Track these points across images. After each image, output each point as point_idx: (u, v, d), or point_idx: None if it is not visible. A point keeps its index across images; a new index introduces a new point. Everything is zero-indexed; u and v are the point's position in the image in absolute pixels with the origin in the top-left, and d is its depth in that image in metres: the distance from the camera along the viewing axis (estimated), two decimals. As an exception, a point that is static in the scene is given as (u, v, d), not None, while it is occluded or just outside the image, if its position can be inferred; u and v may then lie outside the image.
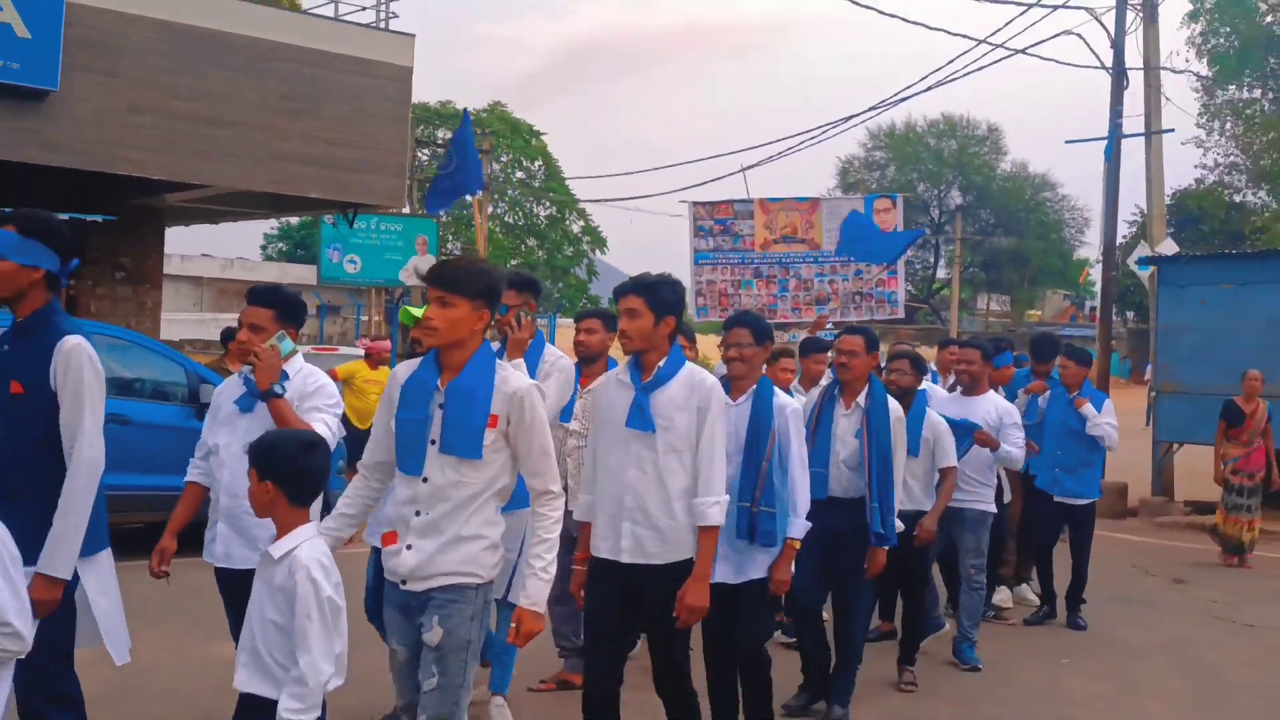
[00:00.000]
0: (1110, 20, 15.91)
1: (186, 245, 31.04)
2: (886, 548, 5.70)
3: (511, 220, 45.61)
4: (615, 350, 5.29)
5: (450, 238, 39.42)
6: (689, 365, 4.55)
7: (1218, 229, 30.46)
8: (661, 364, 4.47)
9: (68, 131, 11.34)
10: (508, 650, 5.46)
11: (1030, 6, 16.34)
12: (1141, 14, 16.02)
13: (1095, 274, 38.75)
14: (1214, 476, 11.21)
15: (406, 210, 23.95)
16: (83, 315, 13.09)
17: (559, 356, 5.64)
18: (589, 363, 6.09)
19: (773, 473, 4.95)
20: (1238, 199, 31.90)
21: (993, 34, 16.28)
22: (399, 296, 27.63)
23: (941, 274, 56.35)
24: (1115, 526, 13.26)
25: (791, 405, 5.15)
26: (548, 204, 45.89)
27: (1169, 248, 15.69)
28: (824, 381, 6.50)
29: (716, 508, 4.35)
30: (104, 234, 13.44)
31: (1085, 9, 18.50)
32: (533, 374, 5.29)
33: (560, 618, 6.00)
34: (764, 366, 5.34)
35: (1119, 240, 16.62)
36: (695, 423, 4.42)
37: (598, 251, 47.31)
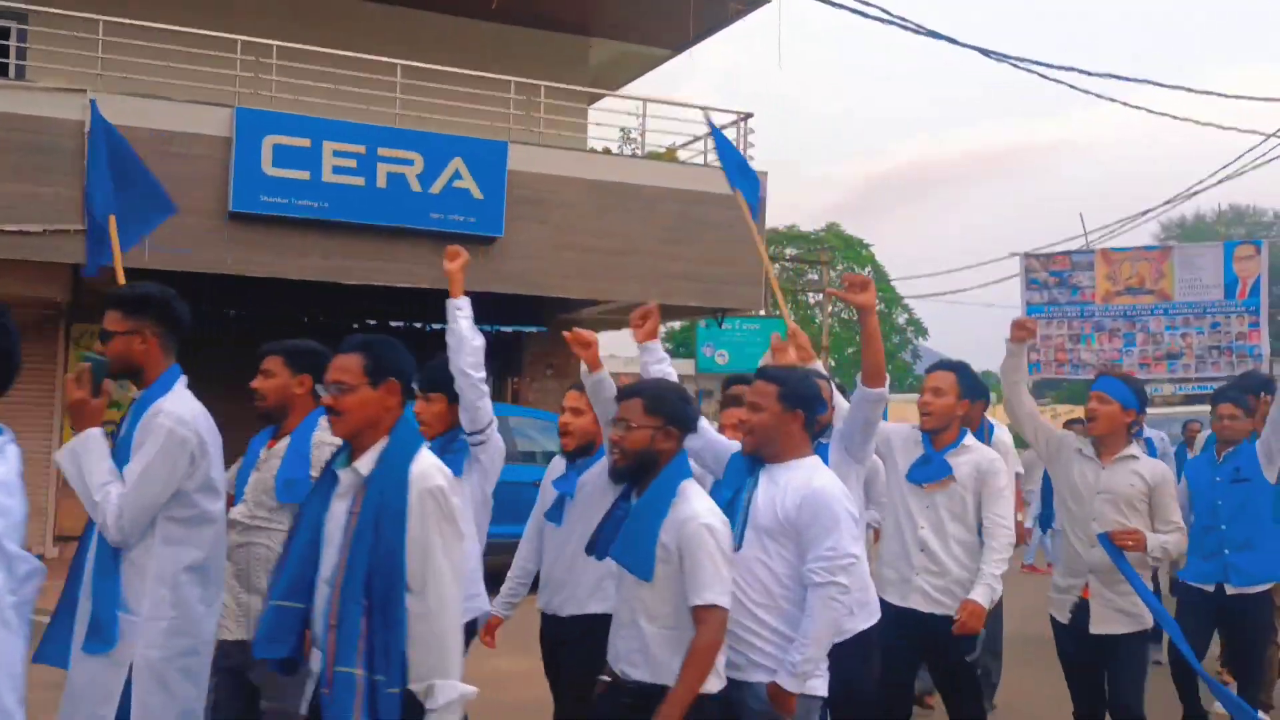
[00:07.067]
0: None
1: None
2: None
3: (846, 316, 45.12)
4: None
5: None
6: (164, 403, 2.93)
7: None
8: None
9: (511, 266, 12.09)
10: None
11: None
12: None
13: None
14: None
15: (763, 312, 24.19)
16: (522, 404, 13.83)
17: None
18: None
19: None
20: None
21: (1280, 130, 14.59)
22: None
23: None
24: None
25: (433, 481, 2.55)
26: (878, 301, 45.15)
27: None
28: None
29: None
30: (537, 341, 14.21)
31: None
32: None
33: None
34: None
35: None
36: None
37: (919, 339, 46.08)
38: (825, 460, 3.61)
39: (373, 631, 2.44)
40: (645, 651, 2.91)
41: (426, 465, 2.59)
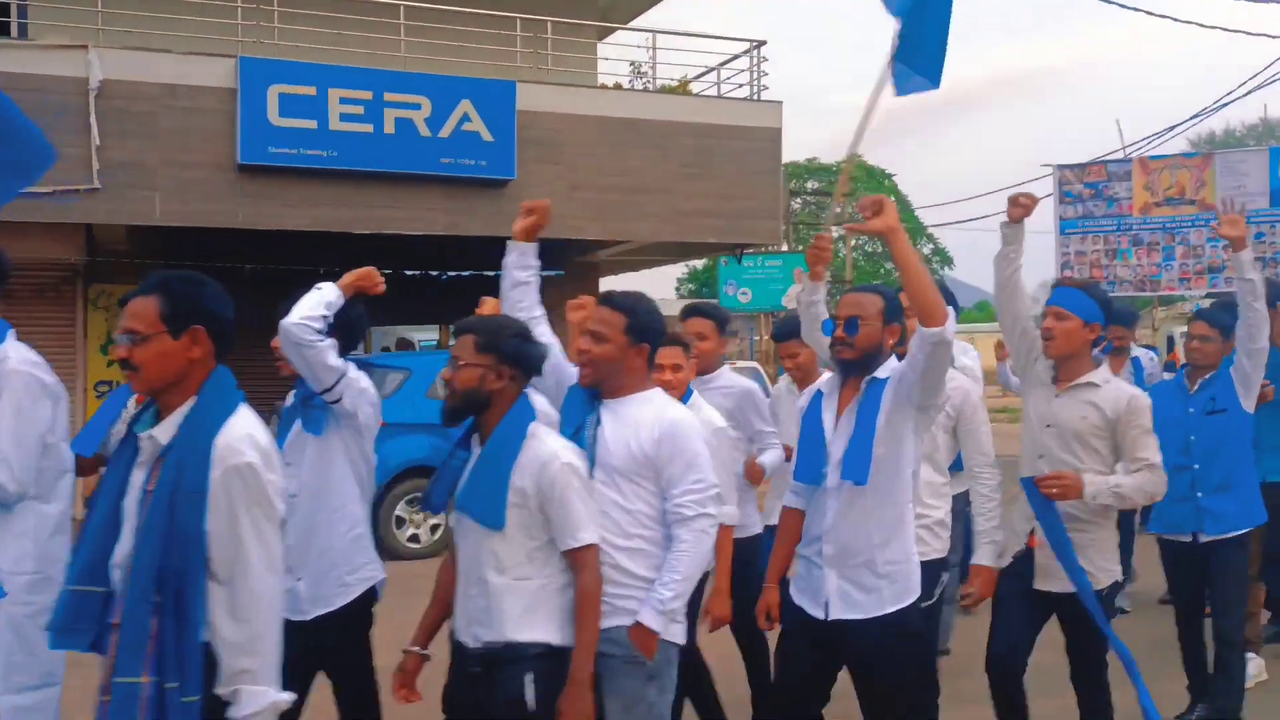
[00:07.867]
0: None
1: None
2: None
3: (870, 249, 44.77)
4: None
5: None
6: (9, 349, 2.95)
7: None
8: None
9: (525, 209, 11.94)
10: None
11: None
12: None
13: None
14: None
15: (785, 248, 23.94)
16: (545, 348, 13.75)
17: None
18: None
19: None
20: None
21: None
22: (783, 319, 27.74)
23: None
24: None
25: (241, 456, 2.19)
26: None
27: None
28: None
29: None
30: (554, 286, 14.00)
31: None
32: None
33: None
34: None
35: None
36: None
37: (945, 268, 45.71)
38: (879, 399, 3.16)
39: (163, 631, 2.07)
40: (495, 608, 2.69)
41: (235, 436, 2.19)
